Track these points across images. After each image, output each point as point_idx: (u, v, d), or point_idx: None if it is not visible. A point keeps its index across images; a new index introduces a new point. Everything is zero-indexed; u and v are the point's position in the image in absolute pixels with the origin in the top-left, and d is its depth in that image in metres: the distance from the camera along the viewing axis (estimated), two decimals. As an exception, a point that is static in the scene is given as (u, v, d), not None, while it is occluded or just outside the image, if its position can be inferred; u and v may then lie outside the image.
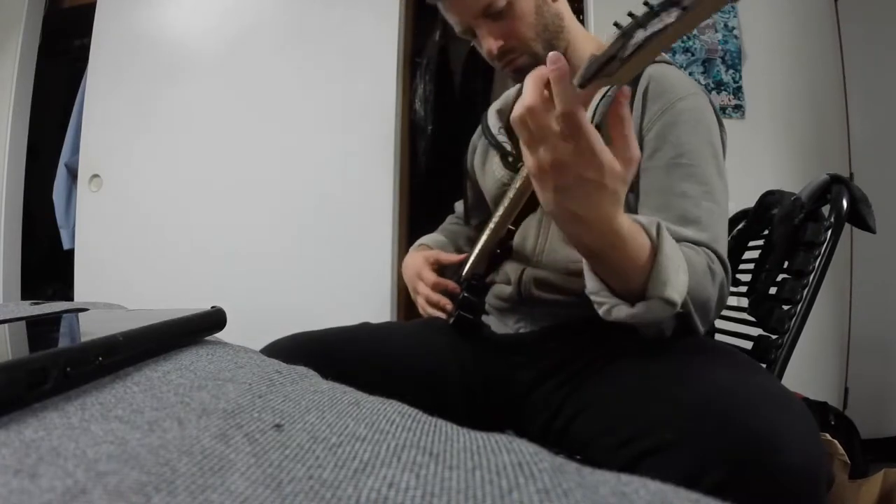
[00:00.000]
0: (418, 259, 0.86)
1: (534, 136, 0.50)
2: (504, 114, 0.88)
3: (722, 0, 0.39)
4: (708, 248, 0.64)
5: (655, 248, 0.55)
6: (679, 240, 0.62)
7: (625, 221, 0.53)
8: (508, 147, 0.81)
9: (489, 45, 0.75)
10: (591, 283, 0.59)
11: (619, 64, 0.44)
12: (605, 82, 0.47)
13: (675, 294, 0.54)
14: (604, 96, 0.71)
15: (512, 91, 0.93)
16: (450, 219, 1.07)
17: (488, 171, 0.87)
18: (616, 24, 0.47)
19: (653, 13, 0.41)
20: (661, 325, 0.62)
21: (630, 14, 0.45)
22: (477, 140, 0.94)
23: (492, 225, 0.77)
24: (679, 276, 0.55)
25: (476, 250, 0.80)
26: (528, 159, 0.51)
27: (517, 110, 0.50)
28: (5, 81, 2.19)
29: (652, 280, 0.54)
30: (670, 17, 0.40)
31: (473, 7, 0.73)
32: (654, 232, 0.55)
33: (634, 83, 0.71)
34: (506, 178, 0.80)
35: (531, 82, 0.50)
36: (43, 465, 0.18)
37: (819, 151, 1.96)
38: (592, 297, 0.59)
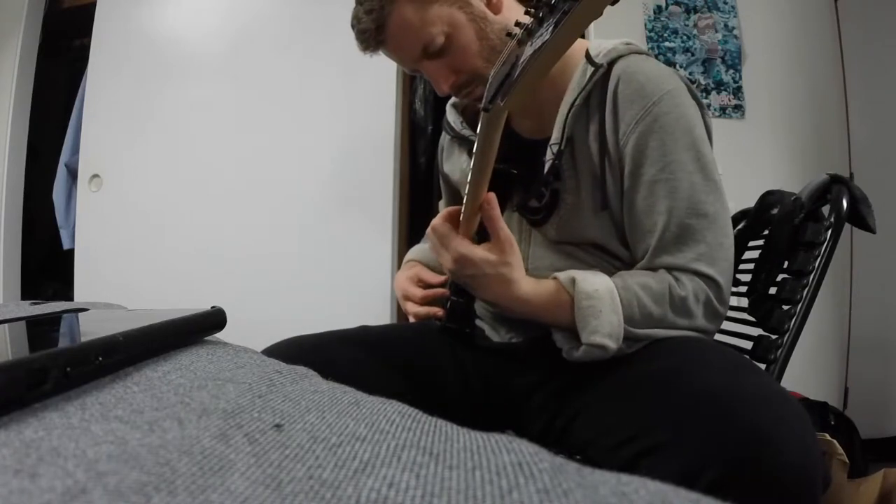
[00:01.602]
0: (403, 279, 0.85)
1: (434, 248, 0.63)
2: (459, 107, 0.86)
3: (586, 19, 0.38)
4: (684, 270, 0.64)
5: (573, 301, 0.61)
6: (656, 267, 0.66)
7: (528, 290, 0.62)
8: (473, 138, 0.78)
9: (439, 86, 0.72)
10: (553, 332, 0.66)
11: (510, 85, 0.46)
12: (504, 107, 0.48)
13: (599, 338, 0.59)
14: (571, 108, 0.68)
15: None
16: None
17: (457, 166, 0.87)
18: (509, 35, 0.49)
19: (539, 20, 0.42)
20: (626, 350, 0.62)
21: (517, 23, 0.46)
22: (443, 140, 0.93)
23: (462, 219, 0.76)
24: (602, 319, 0.59)
25: None
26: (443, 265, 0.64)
27: (430, 227, 0.63)
28: (5, 81, 2.19)
29: (579, 329, 0.61)
30: (547, 33, 0.40)
31: (411, 51, 0.70)
32: (571, 288, 0.62)
33: (604, 82, 0.68)
34: None
35: (447, 209, 0.64)
36: (43, 465, 0.18)
37: (819, 151, 1.96)
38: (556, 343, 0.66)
